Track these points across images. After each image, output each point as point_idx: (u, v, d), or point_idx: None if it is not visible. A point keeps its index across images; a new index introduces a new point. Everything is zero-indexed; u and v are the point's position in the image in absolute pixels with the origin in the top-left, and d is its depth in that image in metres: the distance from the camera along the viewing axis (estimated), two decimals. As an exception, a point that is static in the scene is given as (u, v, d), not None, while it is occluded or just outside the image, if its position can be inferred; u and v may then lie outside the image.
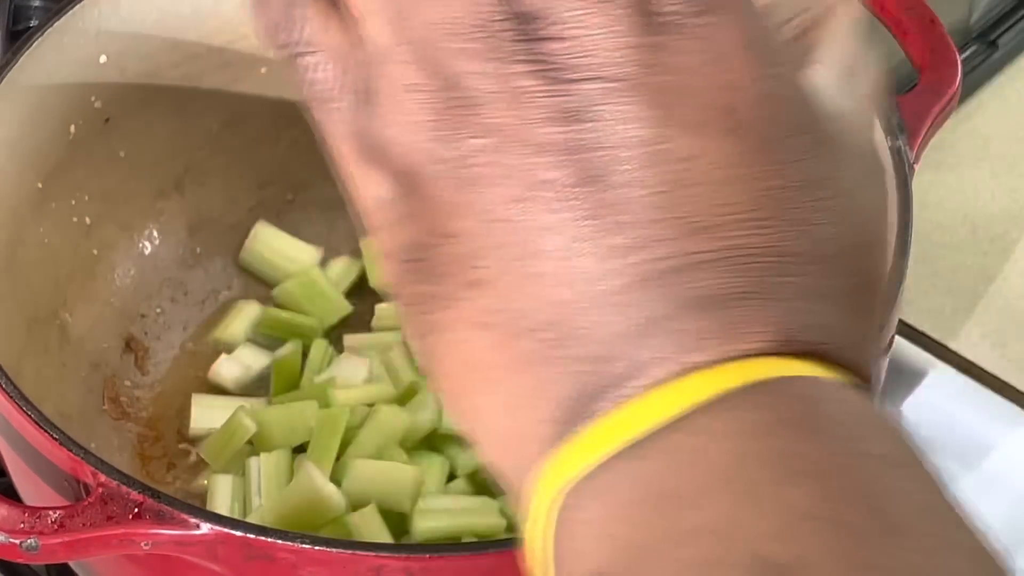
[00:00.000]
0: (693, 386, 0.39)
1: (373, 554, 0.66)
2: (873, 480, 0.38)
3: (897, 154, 0.80)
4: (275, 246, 0.97)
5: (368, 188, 0.45)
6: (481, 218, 0.42)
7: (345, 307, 0.95)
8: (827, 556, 0.35)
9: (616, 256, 0.41)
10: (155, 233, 0.96)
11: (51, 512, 0.67)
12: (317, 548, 0.66)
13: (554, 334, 0.41)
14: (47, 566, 0.88)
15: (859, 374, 0.42)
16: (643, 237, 0.41)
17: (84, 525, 0.67)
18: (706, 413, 0.39)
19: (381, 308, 0.94)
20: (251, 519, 0.82)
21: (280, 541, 0.66)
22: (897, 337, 0.86)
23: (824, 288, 0.42)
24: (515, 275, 0.42)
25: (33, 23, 1.09)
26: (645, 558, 0.37)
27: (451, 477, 0.86)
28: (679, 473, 0.38)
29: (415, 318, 0.44)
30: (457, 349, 0.43)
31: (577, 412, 0.41)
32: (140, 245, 0.95)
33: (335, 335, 0.94)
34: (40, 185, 0.88)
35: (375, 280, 0.96)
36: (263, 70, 0.96)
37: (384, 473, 0.82)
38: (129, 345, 0.93)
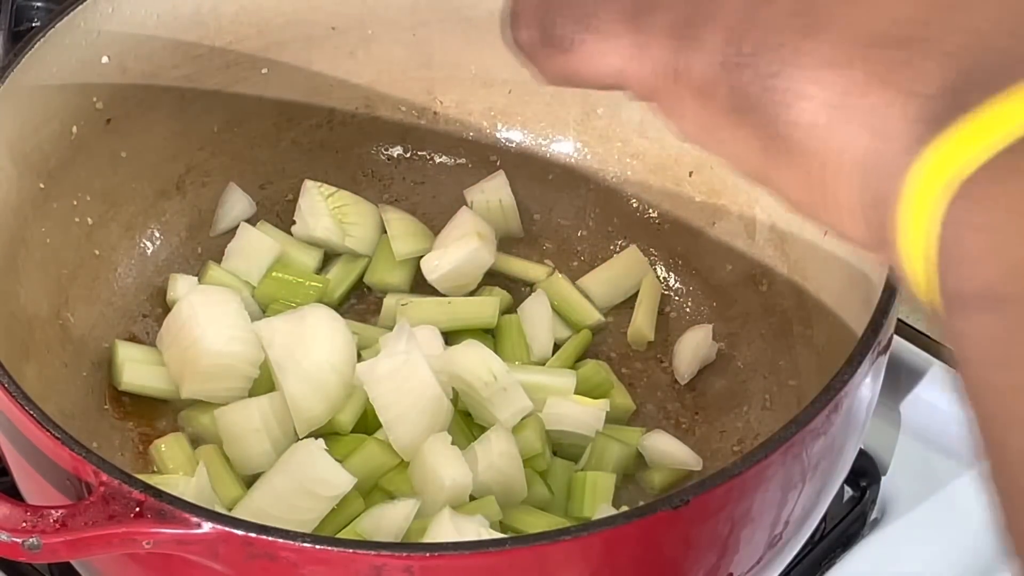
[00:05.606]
0: None
1: (374, 553, 0.66)
2: None
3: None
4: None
5: None
6: None
7: (322, 280, 0.94)
8: None
9: None
10: (156, 233, 0.96)
11: (53, 511, 0.68)
12: (318, 547, 0.66)
13: (916, 31, 0.37)
14: (49, 565, 0.88)
15: None
16: None
17: (86, 524, 0.67)
18: None
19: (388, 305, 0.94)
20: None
21: (281, 540, 0.66)
22: (896, 336, 0.86)
23: None
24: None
25: (35, 24, 1.09)
26: None
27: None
28: None
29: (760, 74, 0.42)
30: (807, 84, 0.40)
31: (950, 104, 0.36)
32: (141, 245, 0.95)
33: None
34: (42, 185, 0.88)
35: (372, 278, 0.96)
36: (264, 71, 0.96)
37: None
38: (131, 345, 0.93)
